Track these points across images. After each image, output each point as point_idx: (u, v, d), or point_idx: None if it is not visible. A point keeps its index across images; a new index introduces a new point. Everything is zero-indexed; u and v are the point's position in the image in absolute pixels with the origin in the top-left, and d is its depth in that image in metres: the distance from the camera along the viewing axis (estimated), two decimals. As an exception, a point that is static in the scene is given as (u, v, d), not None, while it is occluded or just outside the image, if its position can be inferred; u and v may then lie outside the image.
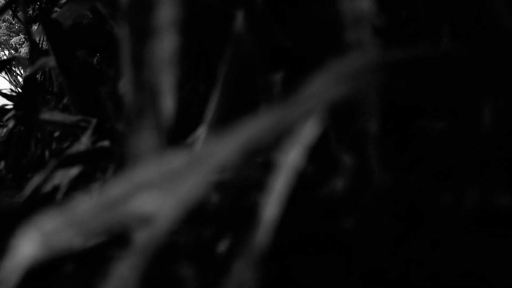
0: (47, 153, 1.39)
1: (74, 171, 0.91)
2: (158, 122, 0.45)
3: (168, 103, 0.46)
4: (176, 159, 0.36)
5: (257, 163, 0.48)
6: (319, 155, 0.55)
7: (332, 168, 0.55)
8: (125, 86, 0.47)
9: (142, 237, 0.33)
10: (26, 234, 0.33)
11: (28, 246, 0.32)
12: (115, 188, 0.34)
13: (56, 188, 0.99)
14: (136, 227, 0.34)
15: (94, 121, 1.16)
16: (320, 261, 0.47)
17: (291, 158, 0.41)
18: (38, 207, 0.40)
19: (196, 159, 0.35)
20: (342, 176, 0.54)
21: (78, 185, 0.94)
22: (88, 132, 1.13)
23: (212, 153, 0.35)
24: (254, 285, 0.39)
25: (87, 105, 1.27)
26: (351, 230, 0.49)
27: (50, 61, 1.13)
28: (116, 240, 0.54)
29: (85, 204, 0.34)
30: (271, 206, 0.41)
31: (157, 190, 0.34)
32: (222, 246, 0.52)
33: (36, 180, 0.90)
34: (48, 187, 0.95)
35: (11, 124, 1.34)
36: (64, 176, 0.96)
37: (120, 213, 0.33)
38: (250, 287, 0.39)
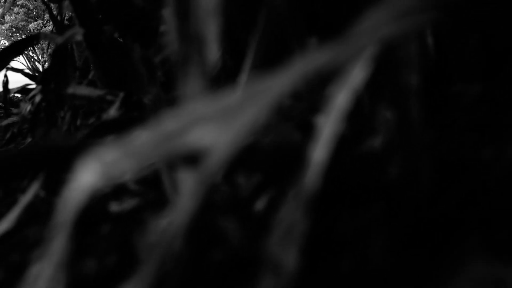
0: (72, 128, 1.40)
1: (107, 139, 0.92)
2: (203, 68, 0.45)
3: (213, 51, 0.46)
4: (229, 97, 0.36)
5: (305, 107, 0.48)
6: (358, 112, 0.55)
7: (370, 125, 0.54)
8: (170, 37, 0.48)
9: (199, 169, 0.33)
10: (86, 164, 0.33)
11: (88, 175, 0.33)
12: (171, 122, 0.34)
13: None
14: (192, 159, 0.34)
15: (121, 94, 1.16)
16: (364, 213, 0.47)
17: (340, 101, 0.41)
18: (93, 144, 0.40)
19: (250, 96, 0.35)
20: (381, 132, 0.54)
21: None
22: (116, 105, 1.13)
23: (267, 88, 0.35)
24: (303, 228, 0.40)
25: (113, 79, 1.27)
26: (393, 184, 0.49)
27: (78, 33, 1.14)
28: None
29: (143, 137, 0.34)
30: (320, 149, 0.41)
31: (213, 124, 0.34)
32: (270, 193, 0.52)
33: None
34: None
35: (38, 98, 1.35)
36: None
37: (176, 145, 0.34)
38: (299, 230, 0.40)
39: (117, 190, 0.79)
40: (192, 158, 0.36)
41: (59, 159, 0.42)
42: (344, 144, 0.55)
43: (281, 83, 0.35)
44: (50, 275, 0.32)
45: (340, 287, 0.43)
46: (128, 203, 0.73)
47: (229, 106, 0.35)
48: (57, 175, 0.42)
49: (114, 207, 0.74)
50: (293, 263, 0.39)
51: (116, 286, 0.53)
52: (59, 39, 1.16)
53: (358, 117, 0.56)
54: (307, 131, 0.44)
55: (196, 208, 0.35)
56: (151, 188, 0.77)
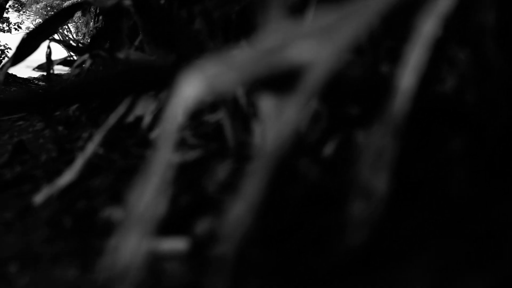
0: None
1: (165, 93, 0.93)
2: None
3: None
4: (324, 17, 0.36)
5: (392, 35, 0.48)
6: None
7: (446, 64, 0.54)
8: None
9: (300, 84, 0.34)
10: (190, 77, 0.34)
11: (192, 87, 0.33)
12: (271, 39, 0.35)
13: (139, 119, 1.01)
14: (292, 73, 0.34)
15: (172, 57, 1.17)
16: (448, 140, 0.47)
17: (427, 28, 0.41)
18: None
19: (347, 14, 0.35)
20: (456, 71, 0.53)
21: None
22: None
23: (363, 7, 0.35)
24: (393, 152, 0.40)
25: (162, 44, 1.28)
26: (472, 113, 0.49)
27: (128, -2, 1.14)
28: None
29: (244, 52, 0.34)
30: (408, 75, 0.41)
31: (312, 41, 0.34)
32: (338, 137, 0.53)
33: (121, 109, 0.92)
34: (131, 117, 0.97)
35: (88, 63, 1.37)
36: (146, 107, 0.98)
37: (278, 60, 0.34)
38: (389, 154, 0.40)
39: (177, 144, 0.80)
40: (284, 84, 0.37)
41: (159, 77, 0.42)
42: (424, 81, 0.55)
43: (376, 3, 0.36)
44: (154, 190, 0.33)
45: (425, 213, 0.43)
46: (190, 155, 0.74)
47: (327, 23, 0.35)
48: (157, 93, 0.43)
49: (177, 158, 0.75)
50: (383, 187, 0.39)
51: (196, 220, 0.55)
52: (109, 2, 1.17)
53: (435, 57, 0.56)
54: (394, 60, 0.44)
55: (289, 135, 0.35)
56: (211, 141, 0.78)
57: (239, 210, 0.33)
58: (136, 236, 0.32)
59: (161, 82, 0.43)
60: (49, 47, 2.03)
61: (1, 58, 7.39)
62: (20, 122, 1.94)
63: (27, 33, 1.59)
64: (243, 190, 0.33)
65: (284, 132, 0.33)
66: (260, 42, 0.34)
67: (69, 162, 0.99)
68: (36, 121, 1.84)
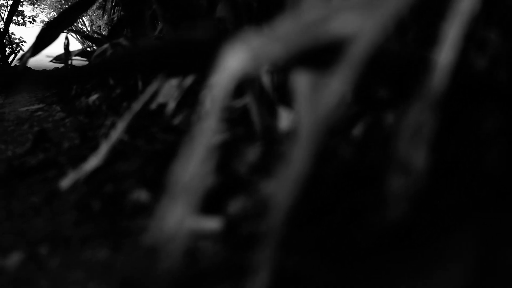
0: (140, 83, 1.42)
1: (188, 80, 0.93)
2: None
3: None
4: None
5: (431, 11, 0.48)
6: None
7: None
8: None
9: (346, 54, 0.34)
10: (234, 49, 0.34)
11: (237, 59, 0.33)
12: (314, 11, 0.35)
13: (162, 106, 1.01)
14: (334, 46, 0.34)
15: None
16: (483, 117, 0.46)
17: (465, 4, 0.41)
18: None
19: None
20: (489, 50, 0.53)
21: (187, 99, 0.96)
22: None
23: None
24: (431, 126, 0.40)
25: (183, 32, 1.28)
26: (506, 94, 0.48)
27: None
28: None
29: (287, 25, 0.34)
30: (446, 51, 0.41)
31: (356, 13, 0.34)
32: (366, 120, 0.53)
33: (149, 91, 0.92)
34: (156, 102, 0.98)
35: (108, 53, 1.37)
36: (172, 90, 0.99)
37: (321, 32, 0.34)
38: (428, 129, 0.40)
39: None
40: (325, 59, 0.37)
41: (199, 51, 0.43)
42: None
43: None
44: (200, 161, 0.33)
45: (463, 188, 0.43)
46: (217, 138, 0.75)
47: (370, -4, 0.35)
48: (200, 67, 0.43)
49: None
50: (422, 162, 0.39)
51: (229, 200, 0.55)
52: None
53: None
54: (432, 36, 0.44)
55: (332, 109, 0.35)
56: (237, 126, 0.78)
57: (286, 183, 0.33)
58: (181, 207, 0.32)
59: (201, 57, 0.43)
60: (67, 38, 2.04)
61: (16, 51, 7.44)
62: (39, 113, 1.95)
63: (47, 23, 1.60)
64: (289, 166, 0.33)
65: (328, 107, 0.33)
66: (303, 15, 0.34)
67: (93, 149, 1.00)
68: (55, 112, 1.85)
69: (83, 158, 0.92)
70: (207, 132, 0.33)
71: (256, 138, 0.73)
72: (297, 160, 0.33)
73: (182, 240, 0.32)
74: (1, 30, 6.93)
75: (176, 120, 0.91)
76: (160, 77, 0.95)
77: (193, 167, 0.33)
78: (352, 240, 0.40)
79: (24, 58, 1.63)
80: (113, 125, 1.08)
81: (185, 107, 0.96)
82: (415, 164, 0.40)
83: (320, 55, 0.36)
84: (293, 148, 0.34)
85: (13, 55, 7.35)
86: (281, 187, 0.33)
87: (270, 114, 0.74)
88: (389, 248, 0.38)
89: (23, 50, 7.54)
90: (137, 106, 0.94)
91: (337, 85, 0.32)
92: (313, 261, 0.38)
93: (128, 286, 0.51)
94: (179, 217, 0.32)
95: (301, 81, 0.44)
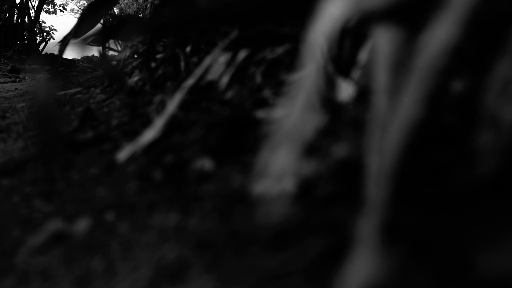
0: (182, 64, 1.43)
1: (242, 54, 0.94)
2: None
3: None
4: None
5: None
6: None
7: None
8: None
9: None
10: (335, -3, 0.34)
11: (338, 7, 0.33)
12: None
13: (212, 83, 1.02)
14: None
15: (237, 24, 1.17)
16: None
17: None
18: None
19: None
20: None
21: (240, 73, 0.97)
22: (233, 34, 1.14)
23: None
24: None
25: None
26: None
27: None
28: None
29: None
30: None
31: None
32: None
33: (206, 62, 0.93)
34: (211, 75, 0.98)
35: (147, 38, 1.38)
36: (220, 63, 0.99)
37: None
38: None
39: (259, 102, 0.81)
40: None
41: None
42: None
43: None
44: (303, 107, 0.34)
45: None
46: (270, 113, 0.75)
47: None
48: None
49: (261, 114, 0.76)
50: (513, 115, 0.39)
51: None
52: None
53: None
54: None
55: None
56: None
57: (391, 136, 0.33)
58: (285, 152, 0.33)
59: (301, 6, 0.43)
60: (105, 22, 2.06)
61: (46, 39, 7.52)
62: (78, 96, 1.98)
63: (89, 4, 1.62)
64: (397, 116, 0.33)
65: (435, 55, 0.33)
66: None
67: (144, 124, 1.01)
68: (95, 94, 1.88)
69: (136, 133, 0.93)
70: (310, 79, 0.34)
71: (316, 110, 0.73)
72: (406, 109, 0.33)
73: (288, 185, 0.33)
74: (32, 18, 7.01)
75: (229, 95, 0.91)
76: (211, 54, 0.95)
77: (297, 113, 0.33)
78: (445, 193, 0.40)
79: (66, 40, 1.65)
80: (162, 102, 1.09)
81: (236, 83, 0.97)
82: (505, 117, 0.39)
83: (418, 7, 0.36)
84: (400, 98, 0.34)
85: (44, 43, 7.43)
86: (384, 143, 0.34)
87: (330, 85, 0.74)
88: (483, 200, 0.38)
89: (53, 39, 7.62)
90: (190, 81, 0.94)
91: (445, 29, 0.32)
92: (414, 213, 0.38)
93: (203, 247, 0.52)
94: (283, 162, 0.33)
95: (386, 38, 0.44)
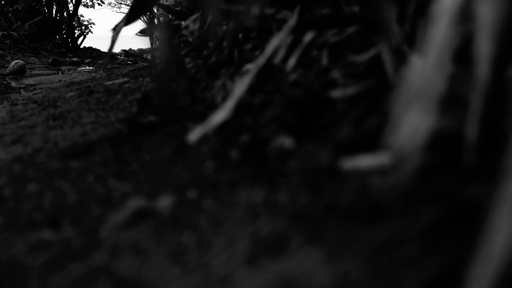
0: (236, 51, 1.43)
1: (308, 36, 0.93)
2: None
3: None
4: None
5: None
6: None
7: None
8: None
9: None
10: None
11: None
12: None
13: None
14: None
15: (296, 9, 1.16)
16: None
17: None
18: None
19: None
20: None
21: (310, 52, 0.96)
22: (293, 19, 1.13)
23: None
24: None
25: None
26: None
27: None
28: None
29: None
30: None
31: None
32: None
33: (276, 40, 0.93)
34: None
35: (192, 26, 1.39)
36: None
37: None
38: None
39: (328, 83, 0.81)
40: None
41: None
42: None
43: None
44: (434, 65, 0.33)
45: None
46: (350, 90, 0.74)
47: None
48: None
49: (336, 93, 0.75)
50: None
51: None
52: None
53: None
54: None
55: None
56: (362, 79, 0.78)
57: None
58: (417, 112, 0.32)
59: None
60: (153, 12, 2.07)
61: (85, 33, 7.62)
62: (127, 85, 2.00)
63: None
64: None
65: None
66: None
67: (209, 107, 1.01)
68: (145, 83, 1.89)
69: (202, 115, 0.94)
70: (440, 36, 0.33)
71: (389, 89, 0.72)
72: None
73: (420, 145, 0.32)
74: (71, 12, 7.11)
75: (294, 77, 0.91)
76: (276, 37, 0.95)
77: (428, 71, 0.33)
78: None
79: (117, 28, 1.66)
80: (224, 86, 1.09)
81: (300, 66, 0.96)
82: None
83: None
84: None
85: (82, 37, 7.53)
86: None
87: (402, 62, 0.73)
88: None
89: (91, 32, 7.71)
90: (260, 62, 0.94)
91: None
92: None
93: (300, 220, 0.51)
94: (415, 122, 0.32)
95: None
